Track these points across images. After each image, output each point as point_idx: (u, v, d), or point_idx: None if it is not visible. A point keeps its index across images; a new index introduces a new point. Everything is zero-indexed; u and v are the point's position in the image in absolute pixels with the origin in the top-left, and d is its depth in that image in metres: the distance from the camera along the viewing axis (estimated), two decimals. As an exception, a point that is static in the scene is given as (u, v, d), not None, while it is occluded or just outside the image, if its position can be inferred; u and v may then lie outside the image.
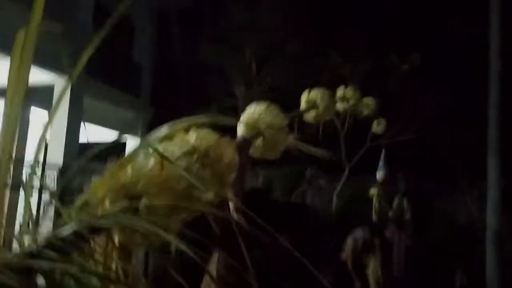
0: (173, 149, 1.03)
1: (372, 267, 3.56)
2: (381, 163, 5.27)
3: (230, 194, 1.50)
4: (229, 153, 1.14)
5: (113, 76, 6.99)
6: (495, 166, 5.50)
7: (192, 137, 1.09)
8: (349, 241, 4.02)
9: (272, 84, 8.34)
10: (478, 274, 5.56)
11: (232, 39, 8.22)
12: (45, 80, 5.58)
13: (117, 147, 1.03)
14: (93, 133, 6.88)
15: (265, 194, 2.17)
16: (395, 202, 5.21)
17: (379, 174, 5.14)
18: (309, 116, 2.59)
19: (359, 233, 4.04)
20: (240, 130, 1.48)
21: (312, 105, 2.58)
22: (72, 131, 5.85)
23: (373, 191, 5.04)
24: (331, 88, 2.83)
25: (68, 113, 5.73)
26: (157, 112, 7.53)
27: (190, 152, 1.04)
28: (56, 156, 5.52)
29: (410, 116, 7.68)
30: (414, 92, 8.24)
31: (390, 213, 5.07)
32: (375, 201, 4.96)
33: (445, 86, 7.62)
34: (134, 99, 7.50)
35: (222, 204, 1.62)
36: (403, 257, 5.00)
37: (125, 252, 0.86)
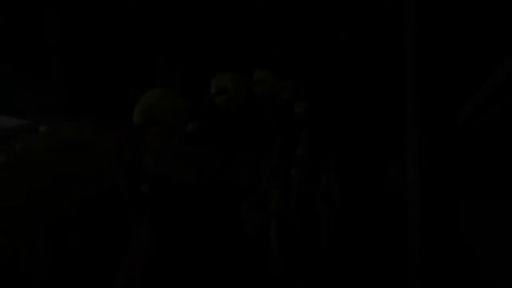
0: (36, 142, 0.94)
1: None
2: (301, 140, 5.32)
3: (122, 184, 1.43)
4: (105, 144, 1.06)
5: (23, 59, 6.52)
6: (416, 136, 5.69)
7: (61, 128, 1.00)
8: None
9: (188, 71, 8.18)
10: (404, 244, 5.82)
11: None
12: None
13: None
14: None
15: (170, 179, 2.10)
16: (323, 178, 5.34)
17: (299, 150, 5.17)
18: (219, 101, 2.55)
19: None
20: (135, 117, 1.40)
21: (221, 89, 2.54)
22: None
23: (293, 169, 5.09)
24: (249, 72, 2.78)
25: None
26: (71, 97, 7.15)
27: (56, 145, 0.95)
28: None
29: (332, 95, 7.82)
30: (338, 70, 8.39)
31: (319, 189, 5.19)
32: (295, 178, 5.01)
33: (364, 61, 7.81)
34: (47, 84, 7.05)
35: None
36: (332, 230, 5.19)
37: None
